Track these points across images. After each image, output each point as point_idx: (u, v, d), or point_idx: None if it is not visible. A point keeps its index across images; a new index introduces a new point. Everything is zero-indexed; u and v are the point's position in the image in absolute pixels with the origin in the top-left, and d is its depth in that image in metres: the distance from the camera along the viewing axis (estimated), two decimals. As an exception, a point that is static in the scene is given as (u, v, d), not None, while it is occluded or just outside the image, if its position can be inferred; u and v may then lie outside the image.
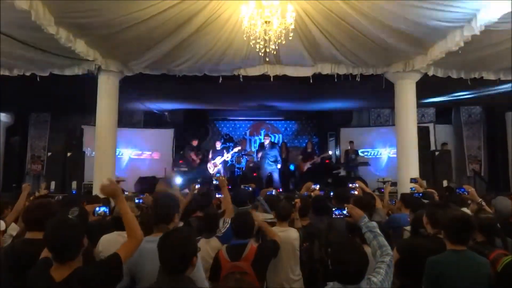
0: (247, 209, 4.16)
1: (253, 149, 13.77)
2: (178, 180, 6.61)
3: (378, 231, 2.44)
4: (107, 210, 2.83)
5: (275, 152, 10.63)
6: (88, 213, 2.49)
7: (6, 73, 7.35)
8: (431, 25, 5.73)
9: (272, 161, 10.48)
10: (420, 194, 4.70)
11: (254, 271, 2.84)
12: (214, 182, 5.39)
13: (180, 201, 3.88)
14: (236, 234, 3.16)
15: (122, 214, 2.34)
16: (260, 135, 14.24)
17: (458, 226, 2.56)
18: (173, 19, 5.82)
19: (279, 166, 10.60)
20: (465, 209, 4.20)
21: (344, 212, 2.63)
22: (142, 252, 2.44)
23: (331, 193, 5.00)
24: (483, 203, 4.14)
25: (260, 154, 10.86)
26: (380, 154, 12.33)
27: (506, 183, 11.21)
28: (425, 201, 4.40)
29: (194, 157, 10.99)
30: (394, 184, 6.23)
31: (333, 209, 2.83)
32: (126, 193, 7.70)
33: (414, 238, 3.24)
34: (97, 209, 2.64)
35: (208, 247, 3.31)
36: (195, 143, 11.26)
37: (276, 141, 13.52)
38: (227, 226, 3.42)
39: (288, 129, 14.78)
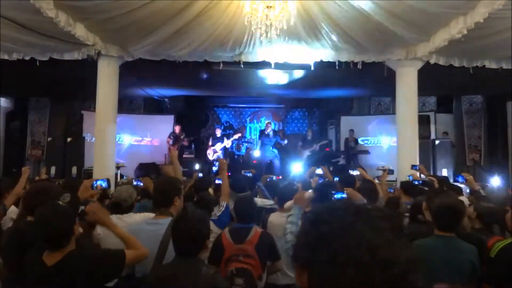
0: (247, 195, 4.16)
1: (253, 137, 13.81)
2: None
3: None
4: (106, 182, 2.84)
5: (276, 139, 10.72)
6: (79, 199, 2.49)
7: (5, 57, 7.29)
8: (435, 12, 5.66)
9: (273, 148, 10.55)
10: (420, 182, 4.70)
11: (257, 255, 2.85)
12: (214, 168, 5.42)
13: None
14: (239, 219, 3.16)
15: (121, 237, 2.32)
16: (261, 123, 14.22)
17: (445, 212, 2.57)
18: (174, 3, 5.74)
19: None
20: (462, 198, 4.22)
21: (344, 196, 2.62)
22: (140, 234, 2.45)
23: (336, 179, 5.01)
24: (481, 191, 4.16)
25: (261, 142, 10.92)
26: (381, 142, 12.33)
27: (505, 173, 11.22)
28: (425, 188, 4.41)
29: (168, 144, 10.92)
30: (391, 171, 6.25)
31: (333, 193, 2.83)
32: (125, 177, 7.74)
33: (411, 224, 3.27)
34: (95, 182, 2.64)
35: None
36: (177, 129, 11.16)
37: (276, 129, 13.55)
38: (223, 209, 3.43)
39: (289, 116, 14.76)
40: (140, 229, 2.53)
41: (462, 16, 5.67)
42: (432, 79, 8.60)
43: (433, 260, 2.50)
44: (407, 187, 4.58)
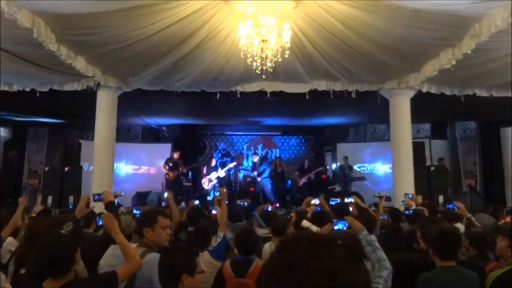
0: (243, 225, 4.18)
1: (250, 164, 13.86)
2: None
3: (377, 245, 2.43)
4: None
5: (264, 166, 10.81)
6: (81, 229, 2.56)
7: (6, 88, 7.42)
8: (423, 44, 5.86)
9: (263, 176, 10.67)
10: (411, 211, 4.76)
11: None
12: (209, 198, 5.43)
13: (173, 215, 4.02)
14: (240, 250, 3.15)
15: (119, 244, 2.42)
16: (258, 150, 14.31)
17: (445, 241, 2.59)
18: (172, 37, 5.92)
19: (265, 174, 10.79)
20: (459, 224, 4.26)
21: (346, 225, 2.64)
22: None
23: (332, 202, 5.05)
24: (473, 219, 4.20)
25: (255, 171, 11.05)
26: (377, 169, 12.39)
27: (501, 198, 11.25)
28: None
29: (164, 170, 10.79)
30: (388, 198, 6.30)
31: (334, 221, 2.84)
32: (122, 207, 7.71)
33: (407, 253, 3.28)
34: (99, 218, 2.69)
35: (201, 261, 3.32)
36: (176, 155, 11.04)
37: (272, 156, 13.66)
38: (219, 240, 3.42)
39: (285, 143, 14.85)
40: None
41: (451, 48, 5.87)
42: (425, 106, 8.76)
43: None
44: (395, 213, 4.69)
